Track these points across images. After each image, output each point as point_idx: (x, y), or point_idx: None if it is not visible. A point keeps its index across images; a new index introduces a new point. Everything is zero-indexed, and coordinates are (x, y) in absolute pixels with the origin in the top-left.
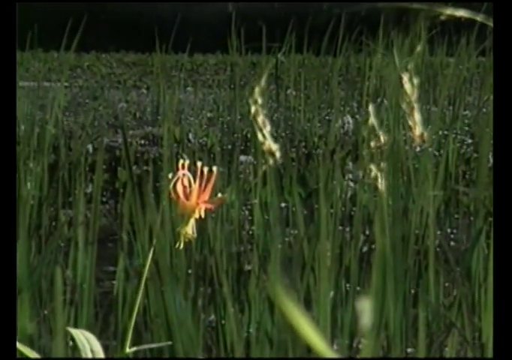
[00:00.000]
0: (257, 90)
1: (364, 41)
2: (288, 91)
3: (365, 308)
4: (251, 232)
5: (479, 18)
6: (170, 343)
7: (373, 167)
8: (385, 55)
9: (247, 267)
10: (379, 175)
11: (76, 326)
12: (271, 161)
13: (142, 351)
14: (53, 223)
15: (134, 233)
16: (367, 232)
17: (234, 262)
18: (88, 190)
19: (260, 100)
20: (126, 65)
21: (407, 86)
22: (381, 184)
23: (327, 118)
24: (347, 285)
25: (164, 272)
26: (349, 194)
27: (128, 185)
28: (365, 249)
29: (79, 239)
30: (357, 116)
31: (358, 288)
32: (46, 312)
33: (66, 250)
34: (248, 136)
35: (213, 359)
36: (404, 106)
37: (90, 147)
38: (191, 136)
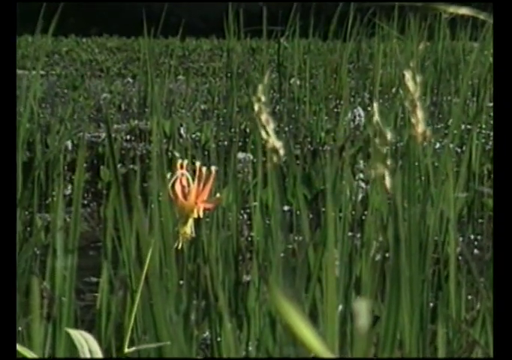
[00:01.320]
0: (260, 87)
1: (377, 24)
2: (292, 81)
3: (362, 309)
4: (250, 239)
5: (482, 16)
6: (169, 343)
7: (379, 166)
8: (400, 39)
9: (245, 277)
10: (386, 174)
11: (53, 343)
12: (275, 159)
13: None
14: (28, 229)
15: (119, 240)
16: (380, 239)
17: (231, 271)
18: (68, 192)
19: (263, 98)
20: (109, 51)
21: (409, 84)
22: (388, 184)
23: (336, 110)
24: (358, 298)
25: (153, 283)
26: (360, 196)
27: (113, 186)
28: (378, 257)
29: (58, 246)
30: (369, 108)
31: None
32: (20, 328)
33: (43, 258)
34: (247, 130)
35: (214, 359)
36: (407, 103)
37: (69, 143)
38: (182, 130)
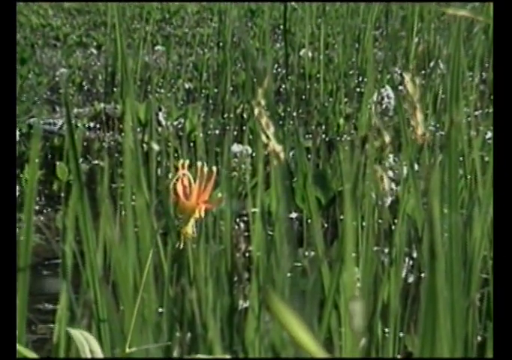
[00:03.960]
0: (260, 91)
1: None
2: (302, 52)
3: (358, 310)
4: (248, 254)
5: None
6: (169, 343)
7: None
8: None
9: (242, 303)
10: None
11: None
12: (275, 163)
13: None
14: None
15: (82, 255)
16: (414, 255)
17: (224, 295)
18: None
19: (263, 102)
20: (67, 13)
21: (409, 86)
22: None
23: (358, 90)
24: (386, 329)
25: (126, 310)
26: (388, 200)
27: (73, 187)
28: (410, 279)
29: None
30: (401, 87)
31: (400, 333)
32: None
33: None
34: (244, 116)
35: (214, 359)
36: (406, 105)
37: (17, 132)
38: (161, 116)
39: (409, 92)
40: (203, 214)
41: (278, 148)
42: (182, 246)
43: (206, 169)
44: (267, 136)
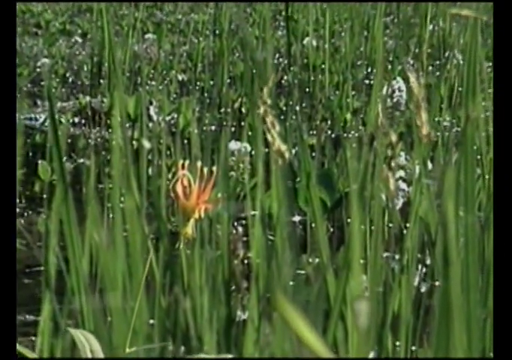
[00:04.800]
0: (265, 90)
1: None
2: (306, 41)
3: (363, 309)
4: (246, 261)
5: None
6: (169, 343)
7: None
8: None
9: (241, 314)
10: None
11: None
12: (280, 162)
13: None
14: None
15: (67, 262)
16: (427, 261)
17: (221, 306)
18: None
19: (269, 101)
20: None
21: (414, 85)
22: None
23: (367, 82)
24: (396, 342)
25: (115, 322)
26: (400, 202)
27: (57, 188)
28: (423, 287)
29: None
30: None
31: (412, 347)
32: None
33: None
34: (242, 110)
35: (214, 359)
36: (411, 105)
37: None
38: (152, 110)
39: (414, 92)
40: (202, 215)
41: (284, 147)
42: (181, 247)
43: (200, 167)
44: (272, 136)
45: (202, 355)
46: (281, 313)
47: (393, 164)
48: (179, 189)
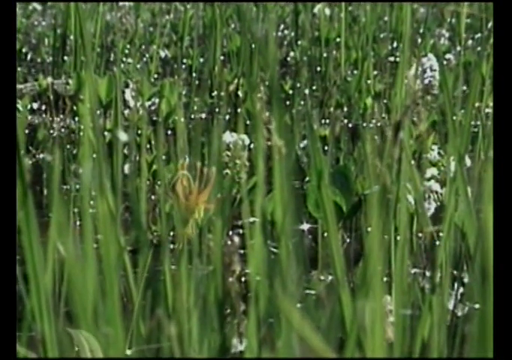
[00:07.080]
0: (261, 88)
1: None
2: (317, 8)
3: (363, 309)
4: (244, 278)
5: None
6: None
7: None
8: None
9: (237, 343)
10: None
11: None
12: (276, 158)
13: None
14: None
15: (25, 278)
16: (464, 279)
17: (213, 333)
18: None
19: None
20: None
21: (412, 83)
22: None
23: (391, 59)
24: None
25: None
26: (432, 206)
27: (18, 189)
28: (459, 311)
29: None
30: (449, 56)
31: None
32: None
33: None
34: (239, 94)
35: (215, 359)
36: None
37: None
38: (129, 94)
39: (412, 89)
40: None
41: (280, 142)
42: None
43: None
44: (269, 131)
45: (203, 356)
46: (287, 319)
47: (422, 160)
48: (179, 189)
